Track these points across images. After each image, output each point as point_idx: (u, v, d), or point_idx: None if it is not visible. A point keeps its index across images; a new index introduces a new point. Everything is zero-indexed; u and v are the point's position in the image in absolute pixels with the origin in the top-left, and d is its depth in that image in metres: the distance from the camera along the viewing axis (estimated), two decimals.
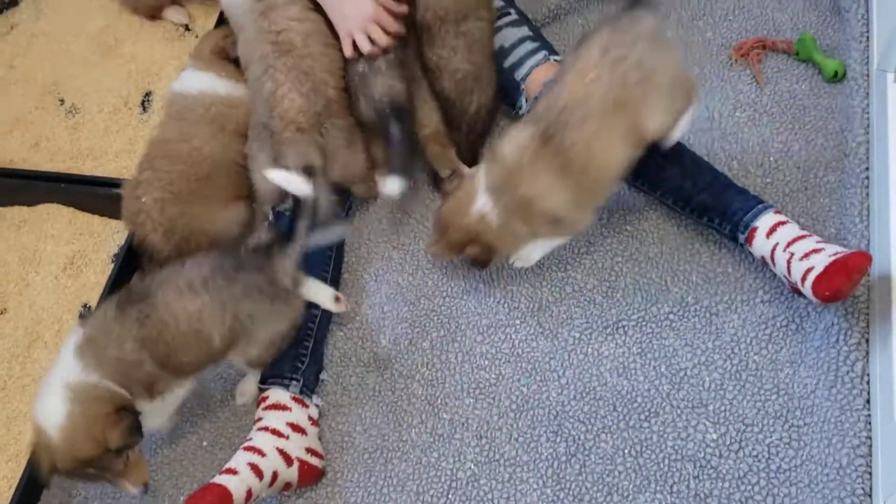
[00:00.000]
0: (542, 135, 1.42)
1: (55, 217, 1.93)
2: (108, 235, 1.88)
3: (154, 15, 2.19)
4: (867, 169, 1.62)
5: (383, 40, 1.61)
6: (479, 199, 1.47)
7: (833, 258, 1.37)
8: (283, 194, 1.69)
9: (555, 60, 1.73)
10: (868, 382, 1.41)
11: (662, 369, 1.53)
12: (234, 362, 1.52)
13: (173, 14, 2.19)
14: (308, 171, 1.52)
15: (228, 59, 1.82)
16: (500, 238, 1.50)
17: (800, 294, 1.48)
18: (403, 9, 1.63)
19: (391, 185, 1.65)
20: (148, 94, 2.09)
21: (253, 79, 1.67)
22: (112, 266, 1.78)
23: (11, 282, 1.86)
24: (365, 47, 1.61)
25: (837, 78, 1.76)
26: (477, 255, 1.52)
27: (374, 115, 1.65)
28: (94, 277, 1.83)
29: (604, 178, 1.48)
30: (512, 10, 1.82)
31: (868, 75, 1.72)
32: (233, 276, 1.40)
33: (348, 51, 1.63)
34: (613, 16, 1.45)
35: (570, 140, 1.40)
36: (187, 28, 2.19)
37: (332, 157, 1.63)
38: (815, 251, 1.41)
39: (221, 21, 1.93)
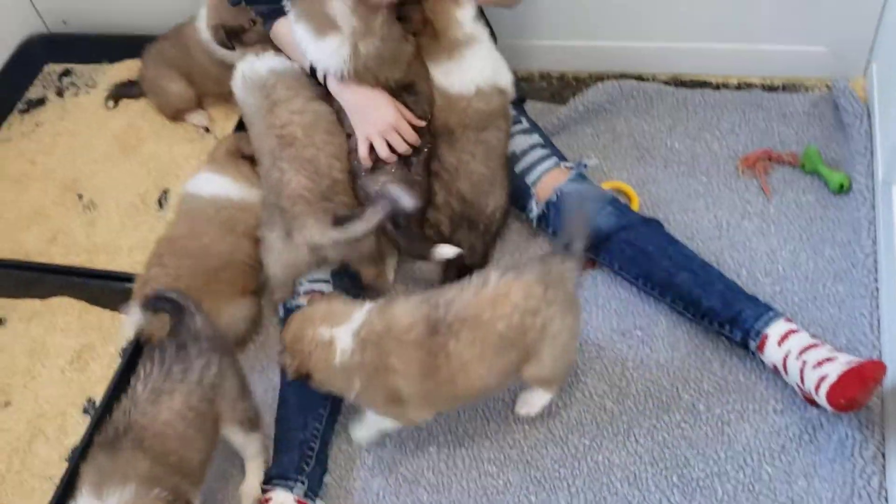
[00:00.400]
0: (431, 326, 1.41)
1: (66, 310, 1.93)
2: (118, 330, 1.88)
3: (177, 117, 2.26)
4: (876, 280, 1.63)
5: (402, 147, 1.65)
6: (343, 331, 1.44)
7: (847, 367, 1.36)
8: (296, 285, 1.72)
9: (565, 167, 1.77)
10: (886, 499, 1.38)
11: (674, 479, 1.50)
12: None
13: (195, 117, 2.25)
14: (340, 221, 1.60)
15: (244, 156, 1.87)
16: (330, 374, 1.46)
17: (813, 403, 1.46)
18: (422, 123, 1.67)
19: (446, 250, 1.64)
20: (165, 192, 2.13)
21: (263, 172, 1.74)
22: (119, 361, 1.77)
23: (18, 374, 1.85)
24: (382, 153, 1.65)
25: (843, 190, 1.80)
26: (290, 367, 1.48)
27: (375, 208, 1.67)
28: (101, 371, 1.82)
29: (464, 395, 1.48)
30: (523, 119, 1.87)
31: (873, 188, 1.75)
32: (185, 355, 1.43)
33: (364, 153, 1.66)
34: (545, 258, 1.47)
35: (452, 348, 1.40)
36: (207, 130, 2.25)
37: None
38: (829, 360, 1.40)
39: (242, 125, 1.99)
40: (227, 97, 2.08)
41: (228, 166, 1.87)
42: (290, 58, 1.79)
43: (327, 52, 1.63)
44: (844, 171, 1.82)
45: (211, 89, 2.21)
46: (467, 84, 1.69)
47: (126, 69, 2.44)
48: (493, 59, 1.74)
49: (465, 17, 1.68)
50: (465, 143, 1.71)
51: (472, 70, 1.69)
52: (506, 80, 1.76)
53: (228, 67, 1.96)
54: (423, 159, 1.71)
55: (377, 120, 1.64)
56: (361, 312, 1.47)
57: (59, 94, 2.47)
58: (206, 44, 2.06)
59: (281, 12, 1.74)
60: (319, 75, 1.69)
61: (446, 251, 1.63)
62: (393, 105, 1.65)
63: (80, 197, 2.16)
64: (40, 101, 2.46)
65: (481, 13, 1.86)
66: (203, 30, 2.05)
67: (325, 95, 1.74)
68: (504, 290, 1.40)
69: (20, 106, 2.46)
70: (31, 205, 2.16)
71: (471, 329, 1.40)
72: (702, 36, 2.05)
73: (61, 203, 2.16)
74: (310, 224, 1.61)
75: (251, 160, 1.85)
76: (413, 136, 1.66)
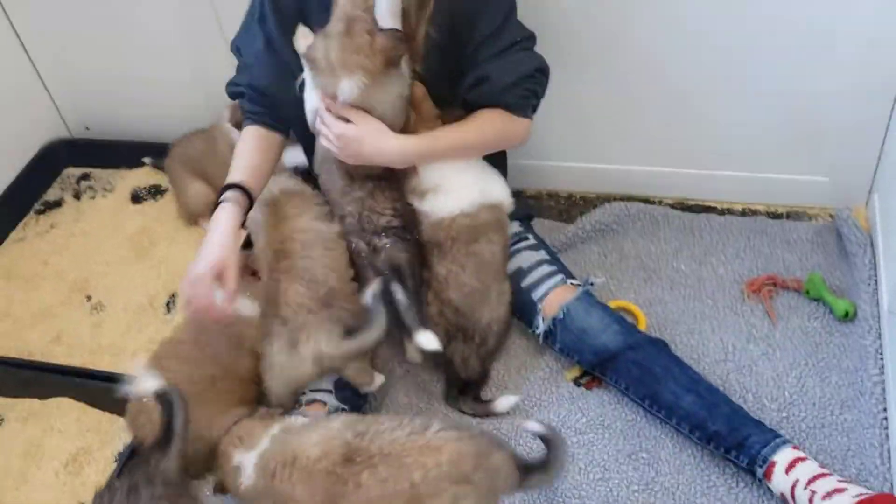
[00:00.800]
0: (349, 453, 1.38)
1: (65, 411, 1.91)
2: (115, 433, 1.86)
3: (193, 219, 2.30)
4: (885, 410, 1.62)
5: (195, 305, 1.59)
6: (249, 457, 1.45)
7: (858, 499, 1.33)
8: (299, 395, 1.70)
9: (572, 284, 1.78)
10: None
11: None
12: None
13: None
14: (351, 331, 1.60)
15: (255, 274, 1.84)
16: (241, 498, 1.45)
17: None
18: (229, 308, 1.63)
19: (426, 339, 1.61)
20: (173, 295, 2.14)
21: (261, 286, 1.75)
22: (115, 465, 1.74)
23: (10, 476, 1.81)
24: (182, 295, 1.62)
25: (848, 318, 1.80)
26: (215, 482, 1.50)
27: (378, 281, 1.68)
28: (95, 476, 1.78)
29: None
30: (530, 235, 1.90)
31: (879, 317, 1.76)
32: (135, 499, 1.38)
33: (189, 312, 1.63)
34: (499, 444, 1.43)
35: (364, 480, 1.35)
36: None
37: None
38: (838, 490, 1.38)
39: None
40: None
41: (240, 281, 1.85)
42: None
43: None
44: (849, 298, 1.83)
45: None
46: (447, 212, 1.73)
47: (144, 174, 2.51)
48: (476, 183, 1.76)
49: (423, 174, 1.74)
50: (454, 254, 1.73)
51: (448, 202, 1.73)
52: (498, 195, 1.79)
53: None
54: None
55: (196, 262, 1.60)
56: (267, 437, 1.45)
57: (77, 196, 2.53)
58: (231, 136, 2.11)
59: (257, 119, 1.76)
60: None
61: (425, 340, 1.61)
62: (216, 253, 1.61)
63: (89, 298, 2.18)
64: (57, 203, 2.51)
65: None
66: (229, 129, 2.13)
67: (330, 214, 1.77)
68: (438, 444, 1.35)
69: (37, 207, 2.51)
70: (40, 304, 2.17)
71: (388, 466, 1.34)
72: (707, 163, 2.10)
73: (69, 303, 2.17)
74: (321, 337, 1.61)
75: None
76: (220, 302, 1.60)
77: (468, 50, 1.64)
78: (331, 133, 1.62)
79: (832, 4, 1.74)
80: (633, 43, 1.91)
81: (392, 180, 1.72)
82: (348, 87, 1.56)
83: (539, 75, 1.68)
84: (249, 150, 1.74)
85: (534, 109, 1.71)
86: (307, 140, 1.81)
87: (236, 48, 1.78)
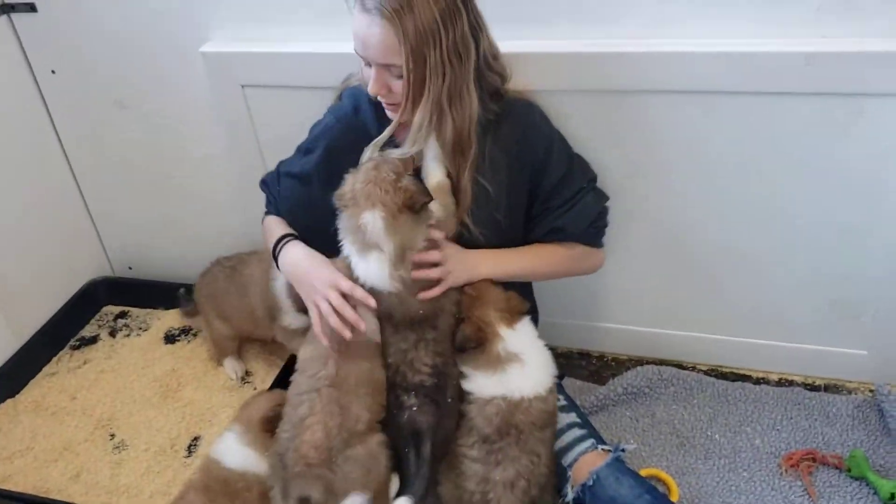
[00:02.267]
0: None
1: None
2: None
3: (216, 357, 2.32)
4: None
5: (347, 312, 1.61)
6: None
7: None
8: None
9: (603, 449, 1.73)
10: None
11: None
12: None
13: (228, 364, 2.30)
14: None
15: (271, 432, 1.76)
16: None
17: None
18: (371, 303, 1.63)
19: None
20: (196, 439, 2.12)
21: (294, 393, 1.68)
22: None
23: None
24: (323, 307, 1.62)
25: (895, 500, 1.72)
26: None
27: (398, 441, 1.64)
28: None
29: None
30: (561, 396, 1.87)
31: None
32: None
33: (315, 322, 1.66)
34: None
35: None
36: (245, 379, 2.28)
37: (342, 490, 1.58)
38: None
39: (280, 380, 2.01)
40: (268, 344, 2.14)
41: (259, 438, 1.77)
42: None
43: (372, 271, 1.64)
44: (895, 479, 1.75)
45: (251, 331, 2.24)
46: (527, 391, 1.64)
47: (179, 315, 2.54)
48: (548, 362, 1.72)
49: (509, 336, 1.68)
50: (533, 442, 1.63)
51: (528, 381, 1.66)
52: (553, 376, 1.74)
53: (274, 319, 2.04)
54: (454, 384, 1.67)
55: (317, 279, 1.65)
56: None
57: (112, 334, 2.56)
58: (273, 283, 2.05)
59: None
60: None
61: None
62: (331, 266, 1.67)
63: (112, 436, 2.16)
64: (92, 339, 2.54)
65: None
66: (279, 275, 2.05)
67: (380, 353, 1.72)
68: None
69: (73, 342, 2.54)
70: (63, 440, 2.16)
71: None
72: (742, 331, 2.09)
73: (92, 440, 2.16)
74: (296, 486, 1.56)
75: None
76: (361, 293, 1.62)
77: (538, 200, 1.76)
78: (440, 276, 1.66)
79: (863, 183, 1.77)
80: (669, 207, 1.95)
81: (440, 332, 1.68)
82: (371, 218, 1.59)
83: (605, 210, 1.82)
84: (283, 223, 1.85)
85: (604, 235, 1.84)
86: None
87: (275, 188, 1.88)
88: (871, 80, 1.63)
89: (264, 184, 1.94)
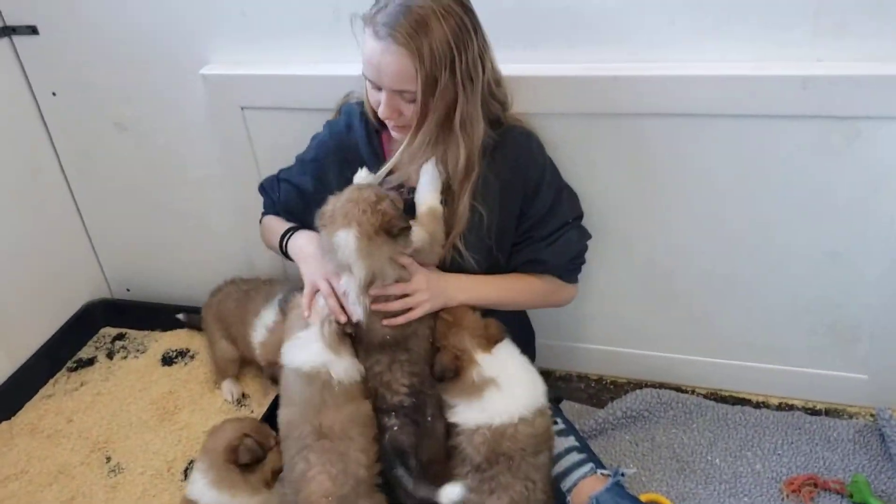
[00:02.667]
0: None
1: None
2: None
3: (215, 377, 2.31)
4: None
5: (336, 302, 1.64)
6: None
7: None
8: None
9: (602, 474, 1.71)
10: None
11: None
12: None
13: (225, 386, 2.29)
14: None
15: (237, 463, 1.73)
16: None
17: None
18: (342, 318, 1.64)
19: (453, 491, 1.51)
20: (192, 462, 2.10)
21: (287, 458, 1.65)
22: None
23: None
24: (322, 286, 1.66)
25: None
26: None
27: (384, 464, 1.62)
28: None
29: None
30: (559, 419, 1.85)
31: None
32: None
33: (307, 301, 1.69)
34: None
35: None
36: (241, 402, 2.27)
37: None
38: None
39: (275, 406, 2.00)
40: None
41: (223, 473, 1.73)
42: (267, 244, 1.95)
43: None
44: None
45: (254, 357, 2.21)
46: (508, 417, 1.60)
47: (177, 337, 2.54)
48: (534, 382, 1.68)
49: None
50: (526, 468, 1.60)
51: (510, 403, 1.62)
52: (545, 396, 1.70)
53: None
54: (434, 402, 1.66)
55: (321, 266, 1.68)
56: None
57: (110, 356, 2.55)
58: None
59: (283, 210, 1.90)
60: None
61: (453, 492, 1.51)
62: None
63: (108, 458, 2.14)
64: (90, 361, 2.53)
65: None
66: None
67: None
68: None
69: (70, 364, 2.53)
70: (58, 463, 2.14)
71: None
72: (740, 355, 2.08)
73: (88, 463, 2.14)
74: None
75: (247, 468, 1.73)
76: (337, 307, 1.65)
77: (521, 226, 1.75)
78: (404, 307, 1.64)
79: (859, 206, 1.77)
80: (668, 229, 1.95)
81: (413, 353, 1.66)
82: (344, 236, 1.58)
83: (586, 248, 1.82)
84: (281, 219, 1.90)
85: (580, 272, 1.86)
86: None
87: (286, 170, 1.91)
88: (866, 103, 1.63)
89: (262, 188, 1.96)
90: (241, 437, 1.73)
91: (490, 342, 1.65)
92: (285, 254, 1.84)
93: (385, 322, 1.63)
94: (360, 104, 1.78)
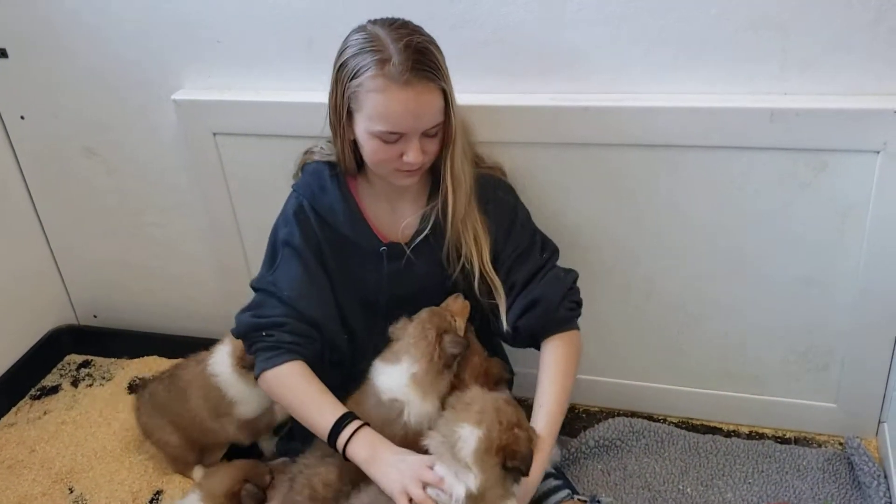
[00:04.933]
0: None
1: None
2: None
3: (182, 471, 2.12)
4: None
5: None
6: None
7: None
8: None
9: (579, 500, 1.71)
10: None
11: None
12: None
13: (195, 473, 2.10)
14: None
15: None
16: None
17: None
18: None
19: None
20: (158, 493, 2.06)
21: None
22: None
23: None
24: (416, 494, 1.46)
25: None
26: None
27: None
28: None
29: None
30: None
31: None
32: None
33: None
34: None
35: None
36: None
37: None
38: None
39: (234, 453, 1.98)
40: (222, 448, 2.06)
41: None
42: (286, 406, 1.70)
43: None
44: None
45: (204, 440, 2.05)
46: None
47: (144, 365, 2.50)
48: None
49: None
50: None
51: None
52: None
53: (224, 416, 1.95)
54: None
55: (403, 469, 1.49)
56: None
57: (74, 384, 2.50)
58: (215, 379, 1.93)
59: (300, 351, 1.67)
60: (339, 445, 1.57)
61: None
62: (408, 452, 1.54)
63: (71, 490, 2.09)
64: (53, 389, 2.48)
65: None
66: (218, 363, 1.94)
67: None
68: None
69: (33, 392, 2.47)
70: (18, 494, 2.09)
71: None
72: (710, 383, 2.09)
73: (49, 495, 2.09)
74: None
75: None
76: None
77: (502, 269, 1.71)
78: None
79: (828, 237, 1.80)
80: (636, 259, 1.96)
81: None
82: (469, 434, 1.45)
83: (575, 282, 1.76)
84: (319, 385, 1.64)
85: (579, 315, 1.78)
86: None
87: (268, 283, 1.71)
88: (833, 136, 1.66)
89: (257, 290, 1.74)
90: (241, 483, 1.73)
91: (489, 381, 1.65)
92: (332, 444, 1.58)
93: None
94: (327, 164, 1.73)
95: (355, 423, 1.56)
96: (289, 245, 1.71)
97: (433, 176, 1.70)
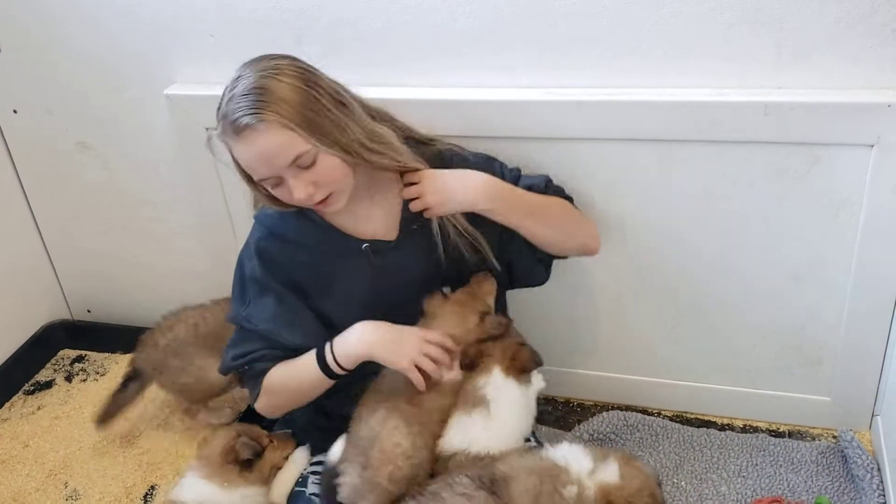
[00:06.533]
0: None
1: None
2: None
3: (190, 412, 2.22)
4: None
5: (444, 359, 1.57)
6: None
7: None
8: None
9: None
10: None
11: None
12: None
13: (203, 416, 2.22)
14: None
15: (237, 461, 1.74)
16: None
17: None
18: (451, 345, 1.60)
19: None
20: (152, 488, 2.06)
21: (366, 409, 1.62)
22: None
23: None
24: (430, 367, 1.54)
25: None
26: None
27: None
28: None
29: None
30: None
31: None
32: None
33: (417, 379, 1.55)
34: None
35: None
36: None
37: None
38: None
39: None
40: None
41: (219, 471, 1.73)
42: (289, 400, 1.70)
43: None
44: None
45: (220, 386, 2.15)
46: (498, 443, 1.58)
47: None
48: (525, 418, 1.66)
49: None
50: None
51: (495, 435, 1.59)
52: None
53: None
54: None
55: (409, 346, 1.55)
56: None
57: (68, 379, 2.50)
58: None
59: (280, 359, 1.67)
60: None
61: None
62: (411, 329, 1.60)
63: (66, 485, 2.09)
64: (48, 384, 2.48)
65: None
66: None
67: None
68: None
69: (27, 387, 2.47)
70: (13, 489, 2.09)
71: None
72: (705, 377, 2.09)
73: (43, 490, 2.09)
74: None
75: (246, 465, 1.74)
76: (448, 342, 1.58)
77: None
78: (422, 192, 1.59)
79: (821, 231, 1.80)
80: (628, 253, 1.96)
81: None
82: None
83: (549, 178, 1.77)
84: (294, 360, 1.65)
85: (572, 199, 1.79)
86: None
87: (242, 317, 1.69)
88: (827, 130, 1.66)
89: (235, 325, 1.74)
90: (234, 437, 1.73)
91: (515, 367, 1.62)
92: (330, 372, 1.60)
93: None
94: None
95: (324, 345, 1.60)
96: (255, 281, 1.68)
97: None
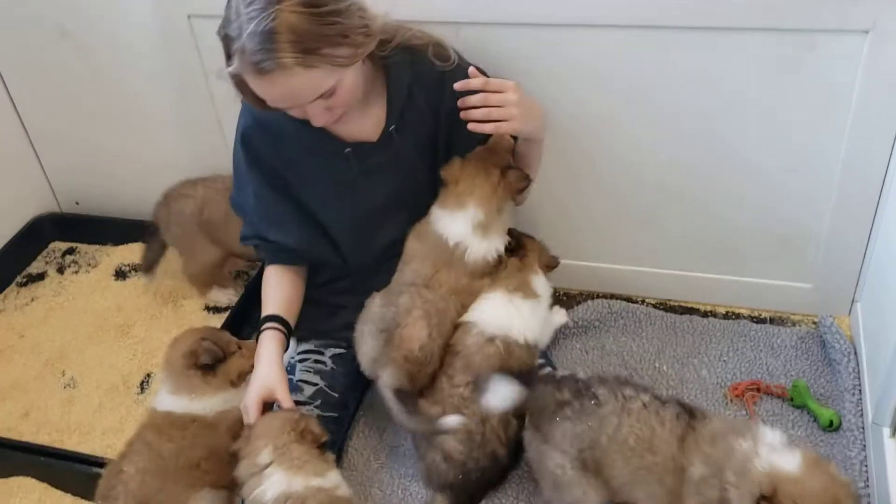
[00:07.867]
0: None
1: (25, 491, 1.85)
2: None
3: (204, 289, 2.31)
4: None
5: None
6: None
7: None
8: None
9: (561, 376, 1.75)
10: None
11: None
12: None
13: (216, 294, 2.29)
14: (400, 395, 1.61)
15: (198, 366, 1.71)
16: None
17: None
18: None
19: (452, 420, 1.61)
20: (148, 375, 2.11)
21: (397, 279, 1.74)
22: None
23: None
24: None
25: (833, 427, 1.78)
26: None
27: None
28: None
29: None
30: None
31: (863, 428, 1.74)
32: None
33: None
34: None
35: None
36: (216, 310, 2.28)
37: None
38: None
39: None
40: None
41: (184, 382, 1.71)
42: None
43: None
44: (834, 407, 1.81)
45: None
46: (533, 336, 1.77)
47: (129, 252, 2.51)
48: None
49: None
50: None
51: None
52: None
53: None
54: None
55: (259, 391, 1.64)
56: None
57: (60, 270, 2.51)
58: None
59: (275, 260, 1.81)
60: None
61: (452, 421, 1.59)
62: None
63: (63, 373, 2.14)
64: (40, 276, 2.49)
65: None
66: None
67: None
68: None
69: (19, 279, 2.49)
70: (11, 378, 2.13)
71: None
72: (689, 265, 2.11)
73: (42, 378, 2.13)
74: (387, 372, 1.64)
75: (209, 368, 1.72)
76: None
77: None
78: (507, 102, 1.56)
79: (812, 120, 1.78)
80: (615, 143, 1.94)
81: None
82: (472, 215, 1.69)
83: None
84: (276, 284, 1.79)
85: None
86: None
87: (237, 205, 1.80)
88: (821, 15, 1.62)
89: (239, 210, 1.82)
90: (197, 341, 1.73)
91: (542, 265, 1.83)
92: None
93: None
94: None
95: (269, 324, 1.72)
96: (239, 171, 1.72)
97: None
